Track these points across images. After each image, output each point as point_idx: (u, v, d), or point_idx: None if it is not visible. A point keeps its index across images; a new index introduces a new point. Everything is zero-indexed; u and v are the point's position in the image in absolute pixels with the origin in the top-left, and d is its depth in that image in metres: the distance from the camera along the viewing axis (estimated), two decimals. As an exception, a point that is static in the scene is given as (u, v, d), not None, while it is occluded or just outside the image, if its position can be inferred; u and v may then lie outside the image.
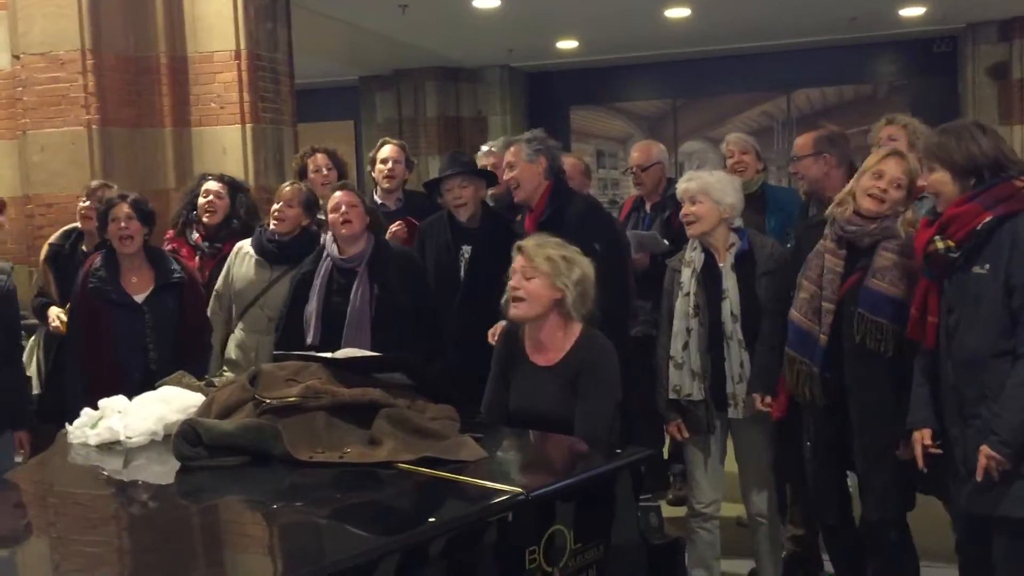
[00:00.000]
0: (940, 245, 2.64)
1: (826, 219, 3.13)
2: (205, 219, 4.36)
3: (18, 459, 3.61)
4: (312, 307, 3.74)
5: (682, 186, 3.41)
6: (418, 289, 3.84)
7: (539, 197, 3.78)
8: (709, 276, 3.33)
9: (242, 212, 4.42)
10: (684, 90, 11.01)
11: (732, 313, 3.29)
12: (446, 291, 3.90)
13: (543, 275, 2.79)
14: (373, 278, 3.71)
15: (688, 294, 3.33)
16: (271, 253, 4.05)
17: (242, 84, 5.87)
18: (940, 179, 2.67)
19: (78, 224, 4.40)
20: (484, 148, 4.80)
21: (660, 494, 4.49)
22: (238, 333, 4.08)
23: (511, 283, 2.84)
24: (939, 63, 10.27)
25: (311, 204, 4.12)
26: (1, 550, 2.17)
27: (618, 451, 2.46)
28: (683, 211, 3.38)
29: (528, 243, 2.89)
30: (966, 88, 9.84)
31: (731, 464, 3.53)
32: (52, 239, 4.48)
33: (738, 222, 3.41)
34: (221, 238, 4.36)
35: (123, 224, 3.71)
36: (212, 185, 4.39)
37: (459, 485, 2.20)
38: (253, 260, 4.07)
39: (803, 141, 3.85)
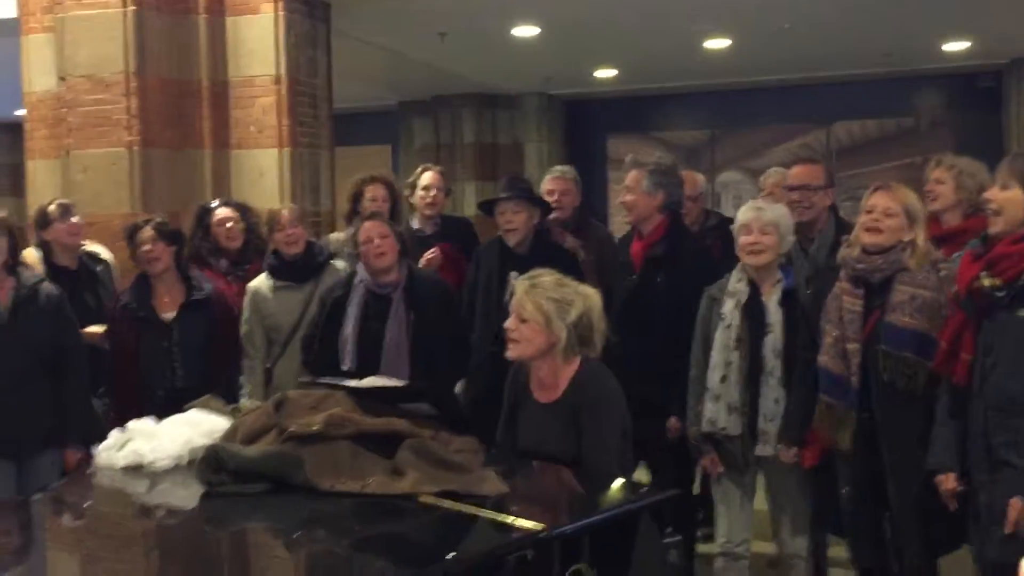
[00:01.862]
0: (986, 283, 2.58)
1: (838, 263, 3.11)
2: (228, 245, 4.40)
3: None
4: (348, 332, 3.76)
5: (752, 214, 3.32)
6: (452, 318, 3.87)
7: (653, 228, 3.84)
8: (753, 309, 3.28)
9: (257, 231, 4.46)
10: (722, 120, 10.96)
11: (775, 349, 3.23)
12: (491, 316, 3.92)
13: (536, 321, 2.71)
14: (409, 305, 3.74)
15: (730, 325, 3.28)
16: (296, 274, 4.09)
17: (281, 109, 5.92)
18: (1012, 197, 2.60)
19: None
20: (553, 172, 4.76)
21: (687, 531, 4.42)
22: (286, 364, 4.05)
23: (507, 323, 2.78)
24: (983, 98, 10.13)
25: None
26: (31, 567, 2.18)
27: (643, 489, 2.41)
28: (748, 238, 3.29)
29: (520, 287, 2.78)
30: (1010, 123, 9.69)
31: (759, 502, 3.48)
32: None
33: (791, 255, 3.39)
34: (248, 259, 4.42)
35: (149, 247, 3.81)
36: (224, 212, 4.43)
37: (481, 520, 2.17)
38: (278, 289, 4.08)
39: (812, 171, 3.82)
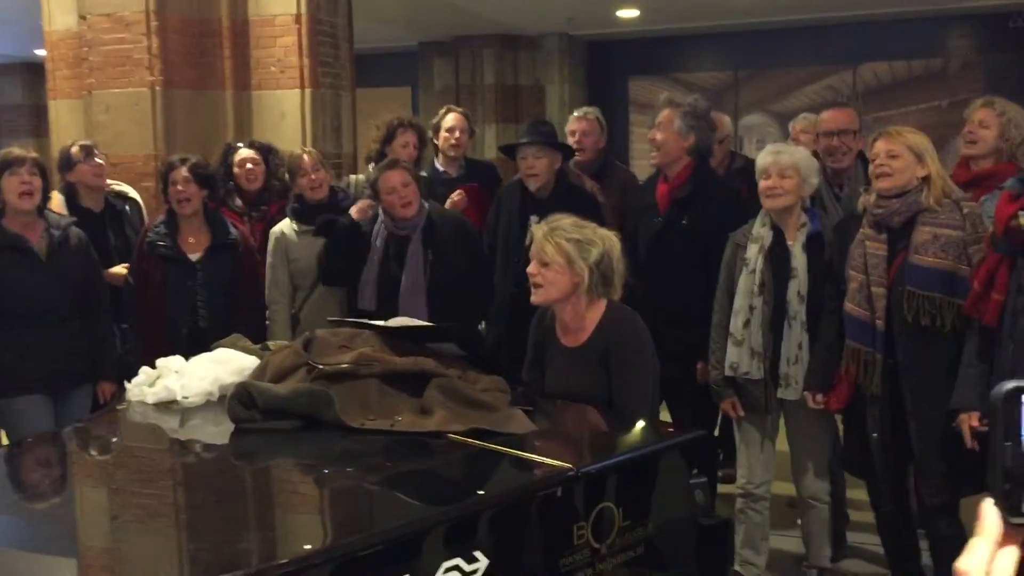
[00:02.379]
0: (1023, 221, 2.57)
1: (859, 210, 3.11)
2: (248, 187, 4.41)
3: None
4: (369, 274, 3.79)
5: (769, 158, 3.28)
6: (472, 254, 3.88)
7: (680, 170, 3.78)
8: (777, 254, 3.26)
9: (279, 172, 4.47)
10: (747, 61, 10.77)
11: (799, 293, 3.22)
12: (512, 258, 3.92)
13: (557, 264, 2.71)
14: (427, 244, 3.75)
15: (754, 271, 3.26)
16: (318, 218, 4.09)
17: (302, 49, 5.87)
18: None
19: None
20: (577, 113, 4.74)
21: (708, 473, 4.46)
22: (312, 309, 4.07)
23: (529, 268, 2.78)
24: (1015, 38, 9.89)
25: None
26: (62, 499, 2.23)
27: (670, 429, 2.43)
28: (767, 183, 3.27)
29: (539, 232, 2.78)
30: (1042, 65, 9.49)
31: (780, 443, 3.50)
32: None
33: (825, 201, 3.35)
34: (265, 200, 4.45)
35: (180, 188, 3.83)
36: (246, 153, 4.44)
37: (509, 458, 2.20)
38: (302, 234, 4.09)
39: (850, 115, 3.77)
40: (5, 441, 3.68)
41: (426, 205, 3.86)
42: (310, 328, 3.83)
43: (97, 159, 4.27)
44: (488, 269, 4.07)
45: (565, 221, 2.76)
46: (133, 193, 4.61)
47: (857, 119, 3.81)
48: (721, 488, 4.32)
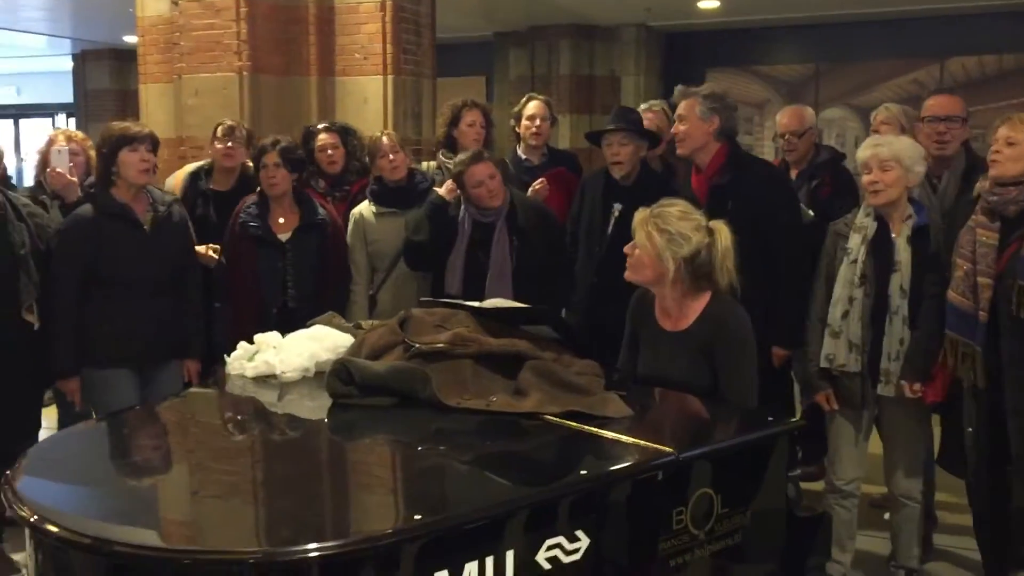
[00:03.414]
0: None
1: (974, 196, 3.02)
2: (329, 170, 4.46)
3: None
4: (456, 260, 3.81)
5: (869, 151, 3.20)
6: (553, 242, 3.88)
7: (711, 158, 3.61)
8: (880, 245, 3.19)
9: (358, 153, 4.51)
10: (828, 54, 10.55)
11: (902, 287, 3.14)
12: (594, 247, 3.89)
13: (646, 251, 2.68)
14: (512, 231, 3.76)
15: (855, 261, 3.19)
16: (398, 200, 4.14)
17: (386, 35, 5.93)
18: None
19: (203, 163, 4.50)
20: (644, 106, 4.72)
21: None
22: (390, 290, 4.12)
23: (626, 247, 2.77)
24: (1112, 33, 9.54)
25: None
26: (162, 468, 2.28)
27: (770, 418, 2.39)
28: (868, 178, 3.18)
29: (639, 214, 2.75)
30: None
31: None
32: (181, 179, 4.51)
33: (916, 192, 3.26)
34: (347, 181, 4.49)
35: (271, 171, 3.91)
36: (326, 137, 4.49)
37: (607, 441, 2.19)
38: (380, 215, 4.13)
39: (957, 102, 3.65)
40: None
41: (508, 192, 3.86)
42: (387, 310, 3.93)
43: (230, 142, 4.31)
44: (569, 257, 4.06)
45: (670, 209, 2.72)
46: None
47: (964, 106, 3.69)
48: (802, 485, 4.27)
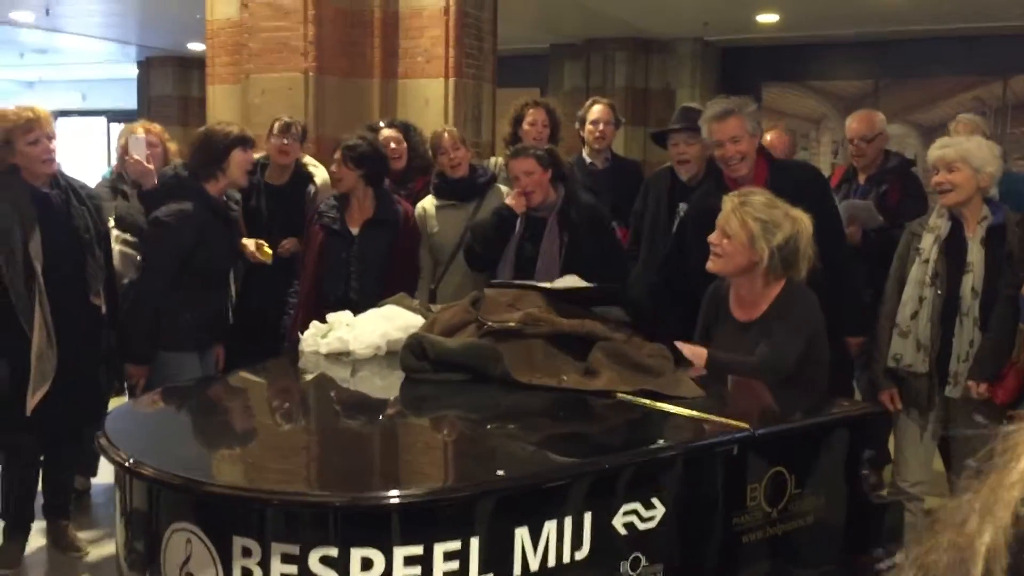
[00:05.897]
0: None
1: None
2: (393, 166, 4.50)
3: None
4: (508, 253, 3.84)
5: (937, 153, 3.20)
6: (604, 240, 3.88)
7: (756, 171, 3.45)
8: (953, 246, 3.16)
9: (420, 149, 4.57)
10: (887, 71, 10.44)
11: (974, 288, 3.11)
12: (657, 247, 3.89)
13: (739, 239, 2.70)
14: (562, 227, 3.78)
15: (927, 261, 3.17)
16: (459, 193, 4.20)
17: (448, 39, 6.02)
18: None
19: (259, 156, 4.55)
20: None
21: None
22: (450, 284, 4.17)
23: (711, 236, 2.77)
24: None
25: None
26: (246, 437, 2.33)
27: (845, 403, 2.38)
28: (937, 179, 3.17)
29: (728, 203, 2.76)
30: None
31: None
32: None
33: (993, 192, 3.23)
34: (411, 178, 4.55)
35: (334, 168, 4.05)
36: (389, 133, 4.56)
37: (682, 418, 2.19)
38: (441, 208, 4.19)
39: None
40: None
41: (565, 186, 3.88)
42: (462, 286, 3.97)
43: (285, 139, 4.41)
44: (621, 259, 4.03)
45: (758, 198, 2.73)
46: (321, 175, 4.66)
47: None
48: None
